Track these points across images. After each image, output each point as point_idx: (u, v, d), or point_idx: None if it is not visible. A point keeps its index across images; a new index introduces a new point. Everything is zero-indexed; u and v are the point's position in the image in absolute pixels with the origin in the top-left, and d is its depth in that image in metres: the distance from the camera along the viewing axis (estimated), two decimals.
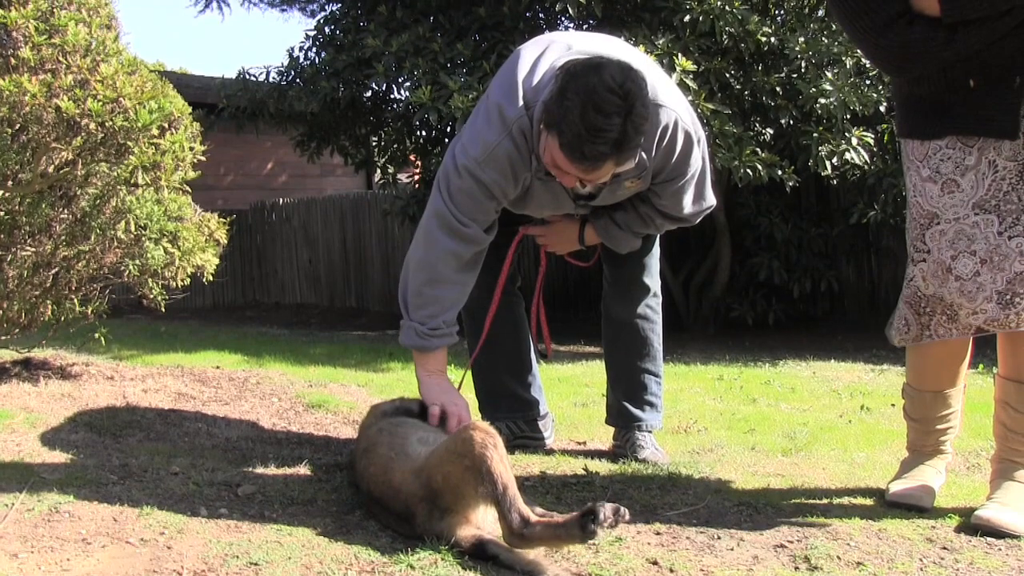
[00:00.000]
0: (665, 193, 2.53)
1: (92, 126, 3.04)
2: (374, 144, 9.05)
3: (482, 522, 1.92)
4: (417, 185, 8.24)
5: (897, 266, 7.92)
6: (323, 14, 8.35)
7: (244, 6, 13.13)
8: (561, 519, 1.83)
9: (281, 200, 11.77)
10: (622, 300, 2.87)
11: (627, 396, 2.87)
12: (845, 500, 2.40)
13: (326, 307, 10.84)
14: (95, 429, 2.84)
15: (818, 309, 8.00)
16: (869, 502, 2.39)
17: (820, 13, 6.63)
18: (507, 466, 1.87)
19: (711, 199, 2.64)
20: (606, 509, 1.76)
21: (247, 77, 8.40)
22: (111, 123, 3.04)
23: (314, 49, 8.07)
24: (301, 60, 8.06)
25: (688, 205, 2.58)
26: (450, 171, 2.43)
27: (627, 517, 2.09)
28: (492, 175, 2.37)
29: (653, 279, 2.87)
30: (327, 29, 8.03)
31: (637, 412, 2.86)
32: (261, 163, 12.96)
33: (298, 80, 7.95)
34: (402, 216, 8.15)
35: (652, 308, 2.88)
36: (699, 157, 2.52)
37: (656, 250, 2.88)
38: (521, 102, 2.34)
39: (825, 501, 2.39)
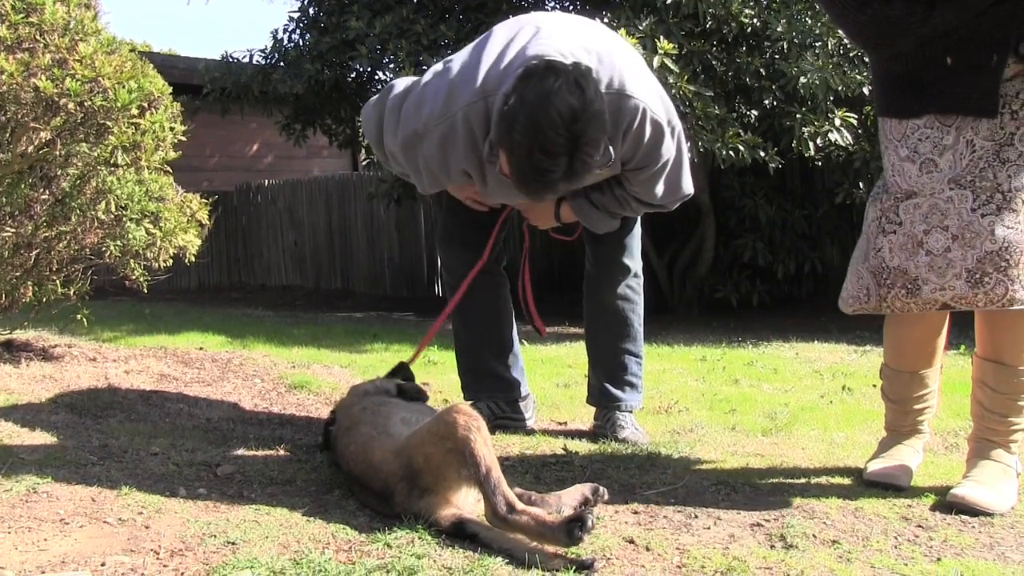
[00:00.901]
0: (636, 180, 2.52)
1: (71, 106, 3.02)
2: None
3: (462, 502, 1.93)
4: None
5: None
6: None
7: None
8: (549, 519, 1.83)
9: (267, 182, 11.71)
10: (603, 281, 2.86)
11: (608, 376, 2.89)
12: (823, 479, 2.42)
13: (311, 289, 10.82)
14: (76, 410, 2.83)
15: (802, 290, 8.03)
16: (847, 481, 2.41)
17: None
18: (490, 449, 1.88)
19: (687, 187, 2.61)
20: (593, 517, 1.77)
21: (230, 60, 8.35)
22: (90, 103, 3.02)
23: (298, 31, 8.02)
24: (285, 42, 8.01)
25: (661, 193, 2.56)
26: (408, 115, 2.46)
27: (606, 497, 2.11)
28: (429, 148, 2.40)
29: (634, 260, 2.87)
30: (311, 11, 7.97)
31: (617, 392, 2.87)
32: (246, 144, 12.89)
33: (282, 63, 7.91)
34: (387, 199, 8.12)
35: (633, 289, 2.88)
36: (671, 146, 2.48)
37: (637, 230, 2.87)
38: (479, 87, 2.30)
39: (803, 480, 2.41)
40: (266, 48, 8.13)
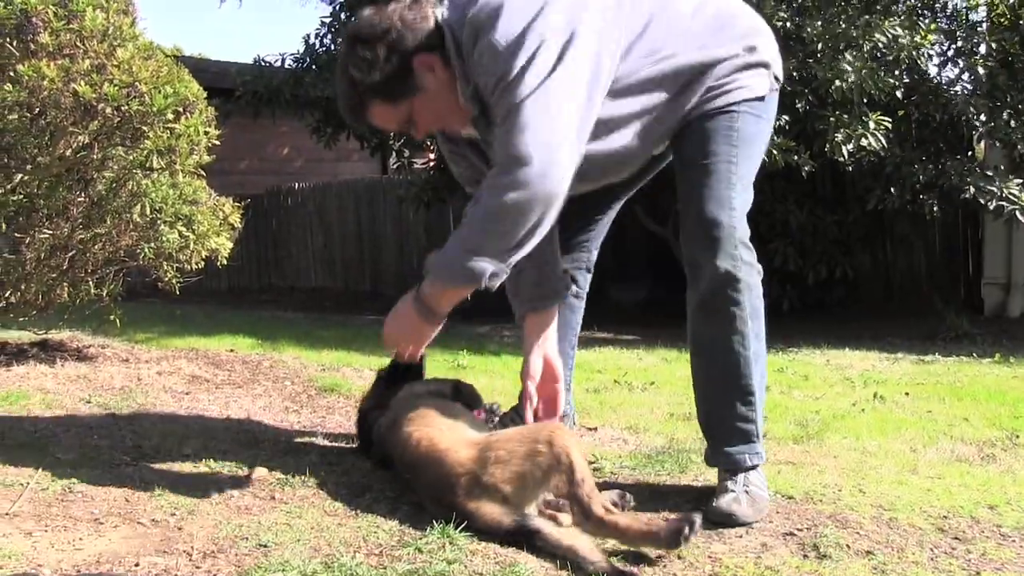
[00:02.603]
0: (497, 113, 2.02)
1: (108, 110, 3.06)
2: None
3: (526, 507, 1.94)
4: (432, 171, 8.23)
5: (912, 254, 7.87)
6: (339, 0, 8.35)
7: None
8: (652, 522, 1.88)
9: (296, 185, 11.80)
10: (688, 253, 2.19)
11: (713, 424, 2.27)
12: (856, 489, 2.39)
13: (340, 291, 10.88)
14: (110, 410, 2.86)
15: (833, 296, 7.96)
16: (880, 490, 2.38)
17: None
18: (585, 462, 1.92)
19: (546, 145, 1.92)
20: (699, 522, 1.81)
21: (263, 64, 8.43)
22: (127, 107, 3.06)
23: (329, 36, 8.08)
24: (317, 47, 8.07)
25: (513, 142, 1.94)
26: None
27: (632, 503, 2.10)
28: None
29: (730, 208, 2.12)
30: (343, 16, 8.03)
31: (718, 448, 2.23)
32: (277, 148, 12.99)
33: (313, 67, 7.96)
34: (417, 203, 8.15)
35: (736, 274, 2.12)
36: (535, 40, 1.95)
37: (725, 165, 2.16)
38: None
39: (836, 489, 2.38)
40: (298, 52, 8.20)
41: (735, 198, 2.15)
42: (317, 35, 8.15)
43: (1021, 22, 6.32)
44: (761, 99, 2.23)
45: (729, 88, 2.18)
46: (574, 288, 2.68)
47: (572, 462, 1.88)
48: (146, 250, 3.50)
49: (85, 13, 3.13)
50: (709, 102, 2.18)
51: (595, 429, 3.04)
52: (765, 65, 2.23)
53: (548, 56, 1.96)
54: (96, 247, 3.55)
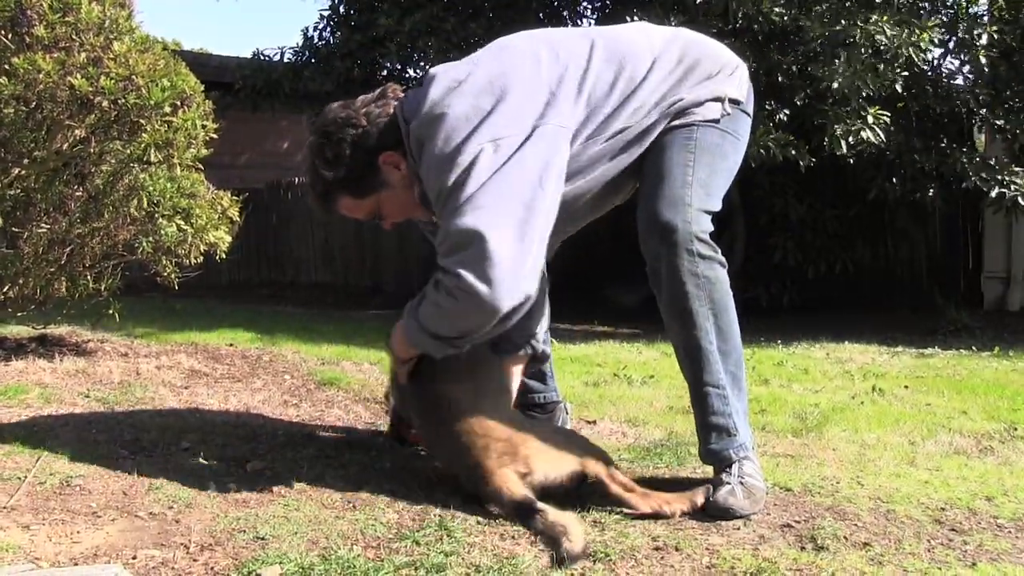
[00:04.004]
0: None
1: (105, 104, 3.06)
2: None
3: (540, 483, 2.04)
4: None
5: (912, 248, 7.87)
6: None
7: None
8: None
9: (296, 179, 11.78)
10: (647, 256, 2.18)
11: (697, 422, 2.24)
12: (854, 481, 2.39)
13: (341, 286, 10.87)
14: (108, 404, 2.87)
15: (833, 290, 7.96)
16: (878, 483, 2.38)
17: None
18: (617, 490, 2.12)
19: (472, 222, 1.90)
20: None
21: (262, 58, 8.42)
22: (124, 101, 3.05)
23: (328, 29, 8.07)
24: (316, 40, 8.06)
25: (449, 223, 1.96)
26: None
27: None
28: None
29: (684, 209, 2.09)
30: (341, 8, 8.02)
31: (703, 447, 2.22)
32: (277, 142, 12.98)
33: (312, 60, 7.95)
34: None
35: (693, 270, 2.10)
36: (468, 156, 1.96)
37: (680, 169, 2.16)
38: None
39: (834, 482, 2.38)
40: (297, 46, 8.20)
41: (690, 197, 2.13)
42: (316, 28, 8.14)
43: (1022, 15, 6.30)
44: (717, 121, 2.24)
45: (687, 115, 2.22)
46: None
47: (603, 483, 2.08)
48: (144, 244, 3.50)
49: (81, 6, 3.12)
50: (669, 130, 2.21)
51: (594, 422, 3.04)
52: (718, 99, 2.26)
53: (487, 163, 1.96)
54: (94, 241, 3.54)
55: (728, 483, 2.12)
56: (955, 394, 3.72)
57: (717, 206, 2.21)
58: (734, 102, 2.29)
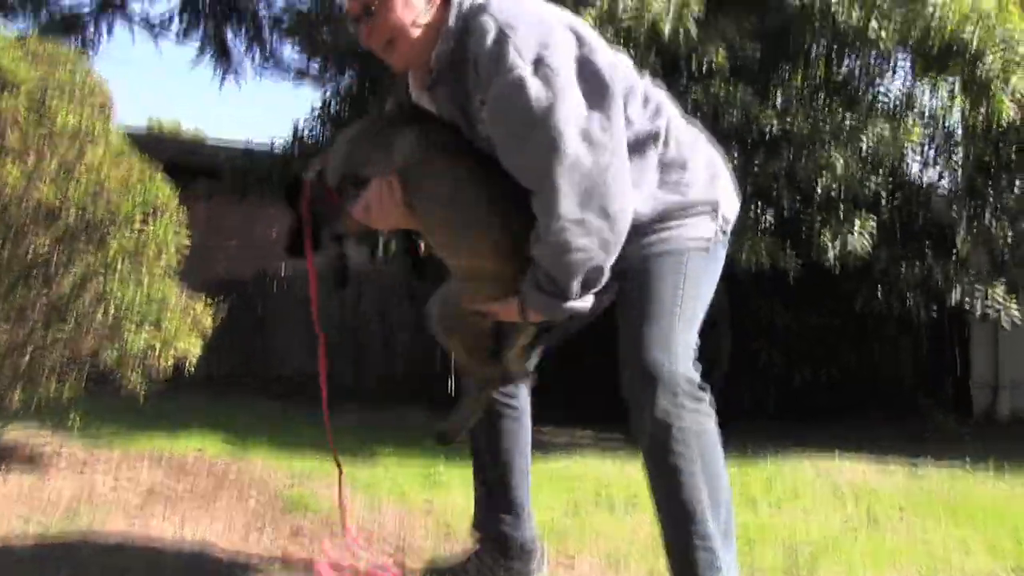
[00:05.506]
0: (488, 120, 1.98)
1: (72, 215, 2.96)
2: None
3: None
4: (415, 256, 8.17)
5: (898, 354, 7.80)
6: (329, 87, 8.43)
7: (256, 79, 13.34)
8: None
9: (283, 271, 11.71)
10: (629, 397, 2.05)
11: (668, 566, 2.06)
12: None
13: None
14: (48, 540, 2.68)
15: (818, 398, 7.85)
16: None
17: (822, 96, 6.59)
18: None
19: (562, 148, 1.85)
20: None
21: (252, 149, 8.49)
22: (92, 212, 2.96)
23: (319, 126, 8.13)
24: (305, 136, 8.12)
25: (519, 161, 1.93)
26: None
27: None
28: None
29: (671, 350, 1.99)
30: (332, 104, 8.10)
31: None
32: (265, 229, 12.95)
33: (299, 155, 7.99)
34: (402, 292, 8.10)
35: (677, 412, 1.97)
36: (523, 67, 1.87)
37: (676, 303, 2.05)
38: None
39: None
40: (286, 141, 8.24)
41: (676, 340, 2.01)
42: (306, 122, 8.20)
43: (993, 129, 6.29)
44: (709, 240, 2.13)
45: (676, 231, 2.09)
46: (515, 403, 2.52)
47: None
48: (109, 354, 3.37)
49: (57, 116, 3.06)
50: (654, 244, 2.07)
51: (573, 559, 2.87)
52: (714, 207, 2.14)
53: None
54: (56, 349, 3.40)
55: None
56: (952, 522, 3.58)
57: (696, 341, 2.11)
58: (726, 219, 2.19)
